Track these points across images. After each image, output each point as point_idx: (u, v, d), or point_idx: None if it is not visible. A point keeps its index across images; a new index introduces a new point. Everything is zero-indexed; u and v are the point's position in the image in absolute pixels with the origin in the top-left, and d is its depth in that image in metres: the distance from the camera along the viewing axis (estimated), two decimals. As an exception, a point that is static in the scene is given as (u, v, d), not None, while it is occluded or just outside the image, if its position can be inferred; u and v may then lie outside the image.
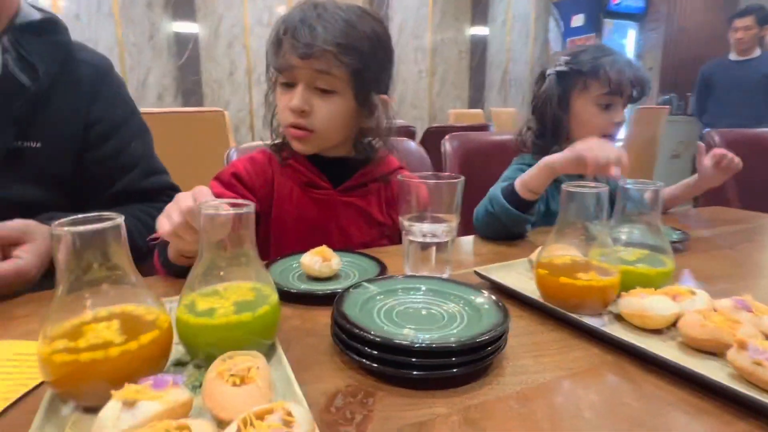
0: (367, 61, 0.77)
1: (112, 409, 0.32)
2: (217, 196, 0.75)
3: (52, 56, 0.74)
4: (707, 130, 1.81)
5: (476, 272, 0.67)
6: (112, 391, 0.34)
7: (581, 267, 0.56)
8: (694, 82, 3.19)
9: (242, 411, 0.32)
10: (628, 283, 0.55)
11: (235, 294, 0.45)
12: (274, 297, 0.45)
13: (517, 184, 0.90)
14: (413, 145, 1.59)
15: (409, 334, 0.45)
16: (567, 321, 0.54)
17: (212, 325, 0.42)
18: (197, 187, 0.57)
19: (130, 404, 0.32)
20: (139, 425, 0.32)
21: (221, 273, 0.45)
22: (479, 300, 0.52)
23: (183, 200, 0.56)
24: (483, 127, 3.31)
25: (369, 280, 0.57)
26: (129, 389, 0.34)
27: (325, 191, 0.87)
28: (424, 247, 0.65)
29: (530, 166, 0.97)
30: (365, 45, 0.77)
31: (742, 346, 0.42)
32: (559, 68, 1.06)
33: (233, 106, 4.07)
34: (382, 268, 0.68)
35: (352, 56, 0.75)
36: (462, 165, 1.64)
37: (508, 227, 0.90)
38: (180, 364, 0.44)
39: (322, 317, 0.56)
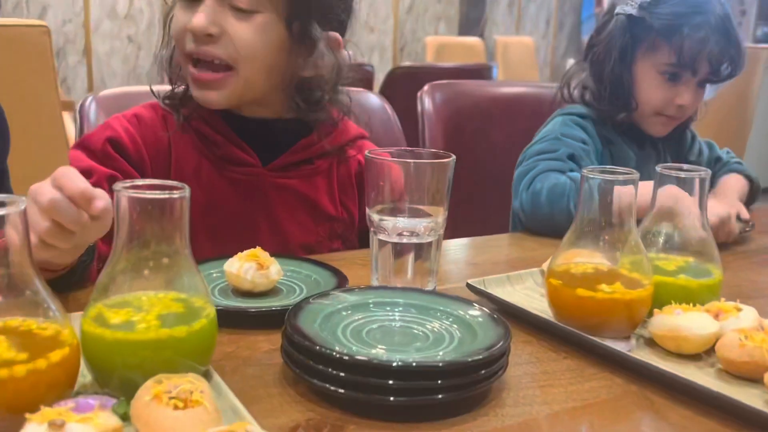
0: None
1: (36, 431, 0.45)
2: (85, 172, 0.86)
3: None
4: None
5: (469, 285, 0.83)
6: (28, 415, 0.46)
7: (605, 277, 0.73)
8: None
9: (193, 437, 0.46)
10: (664, 298, 0.72)
11: (158, 306, 0.58)
12: (211, 311, 0.59)
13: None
14: (372, 97, 1.74)
15: (382, 354, 0.60)
16: (585, 346, 0.71)
17: (135, 341, 0.54)
18: (58, 169, 0.64)
19: (57, 427, 0.45)
20: (69, 452, 0.44)
21: (140, 278, 0.58)
22: (473, 315, 0.67)
23: (41, 194, 0.62)
24: (482, 70, 3.52)
25: (327, 292, 0.71)
26: (48, 412, 0.46)
27: (250, 168, 1.00)
28: (400, 250, 0.80)
29: (583, 119, 1.23)
30: None
31: (783, 367, 0.59)
32: (631, 10, 1.25)
33: (54, 14, 4.01)
34: (341, 280, 0.83)
35: None
36: (449, 132, 1.81)
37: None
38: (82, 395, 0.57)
39: (263, 343, 0.70)
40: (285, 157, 1.01)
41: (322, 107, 1.02)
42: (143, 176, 0.97)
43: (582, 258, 0.76)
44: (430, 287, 0.82)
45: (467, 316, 0.67)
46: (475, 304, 0.69)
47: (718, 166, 1.39)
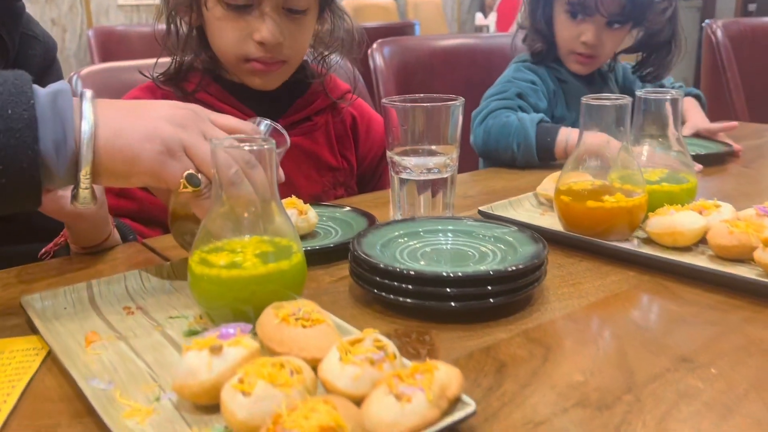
0: None
1: (198, 357, 0.49)
2: None
3: (15, 26, 0.85)
4: (708, 21, 2.22)
5: (480, 212, 0.90)
6: (184, 345, 0.51)
7: (605, 190, 0.81)
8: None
9: (327, 348, 0.51)
10: (652, 204, 0.81)
11: (250, 247, 0.62)
12: (300, 246, 0.63)
13: (561, 139, 1.18)
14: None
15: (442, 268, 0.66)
16: (596, 249, 0.79)
17: (246, 276, 0.59)
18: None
19: (216, 350, 0.50)
20: (231, 369, 0.49)
21: (237, 224, 0.62)
22: (511, 234, 0.74)
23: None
24: (406, 27, 3.55)
25: (379, 225, 0.76)
26: (201, 341, 0.51)
27: None
28: (421, 186, 0.86)
29: (535, 64, 1.34)
30: None
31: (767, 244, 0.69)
32: None
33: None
34: (370, 219, 0.88)
35: None
36: (399, 84, 1.86)
37: (515, 160, 1.21)
38: (193, 333, 0.61)
39: (324, 276, 0.75)
40: (286, 117, 1.05)
41: (312, 70, 1.06)
42: None
43: (577, 179, 0.84)
44: (449, 212, 0.88)
45: (506, 236, 0.74)
46: (511, 225, 0.76)
47: None
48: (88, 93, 0.63)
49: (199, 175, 0.64)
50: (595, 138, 0.86)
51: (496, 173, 1.20)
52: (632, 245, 0.79)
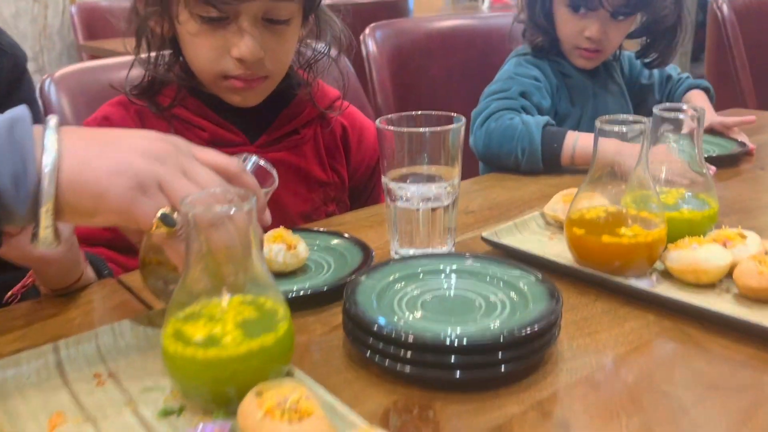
0: None
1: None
2: None
3: None
4: None
5: (484, 238, 0.83)
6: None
7: (620, 219, 0.74)
8: None
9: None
10: (671, 232, 0.74)
11: (232, 312, 0.55)
12: (286, 310, 0.56)
13: (568, 145, 1.10)
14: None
15: (444, 330, 0.59)
16: (612, 287, 0.72)
17: (226, 357, 0.52)
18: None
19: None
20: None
21: (211, 284, 0.55)
22: (521, 279, 0.67)
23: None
24: (399, 2, 3.44)
25: (376, 267, 0.69)
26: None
27: (239, 148, 0.95)
28: (419, 215, 0.79)
29: (537, 58, 1.26)
30: None
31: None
32: None
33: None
34: (364, 249, 0.81)
35: None
36: (394, 71, 1.77)
37: (519, 166, 1.13)
38: (168, 413, 0.55)
39: (315, 324, 0.69)
40: (271, 131, 0.97)
41: (300, 77, 0.98)
42: None
43: (588, 202, 0.76)
44: (449, 244, 0.81)
45: (515, 281, 0.67)
46: (521, 268, 0.69)
47: (670, 84, 1.43)
48: (52, 121, 0.55)
49: (175, 215, 0.56)
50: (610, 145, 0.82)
51: (498, 181, 1.12)
52: (650, 281, 0.72)
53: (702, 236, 0.74)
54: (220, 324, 0.54)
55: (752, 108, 2.12)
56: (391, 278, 0.68)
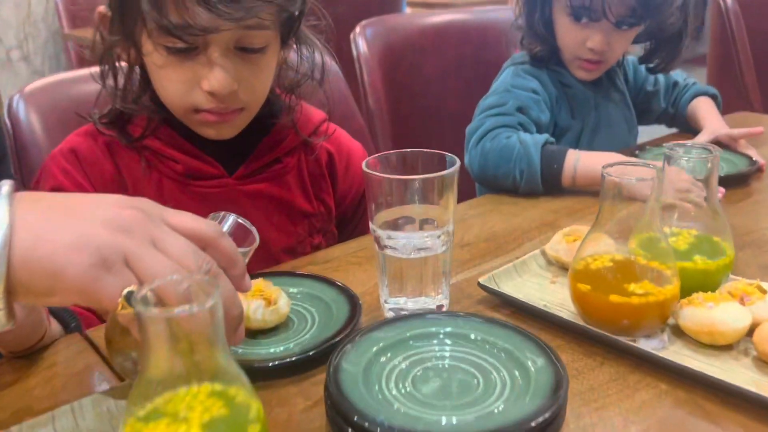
0: None
1: None
2: None
3: None
4: None
5: (480, 285, 0.77)
6: None
7: (628, 271, 0.68)
8: None
9: None
10: (684, 283, 0.68)
11: (198, 408, 0.49)
12: (258, 405, 0.50)
13: (569, 166, 1.04)
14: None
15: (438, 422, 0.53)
16: (621, 348, 0.66)
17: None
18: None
19: None
20: None
21: (173, 379, 0.48)
22: (521, 346, 0.61)
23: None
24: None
25: (360, 333, 0.63)
26: None
27: (217, 180, 0.89)
28: (410, 265, 0.73)
29: (535, 67, 1.20)
30: None
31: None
32: None
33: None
34: (351, 301, 0.75)
35: None
36: (386, 70, 1.70)
37: (517, 189, 1.08)
38: None
39: (297, 397, 0.62)
40: (251, 162, 0.90)
41: (282, 102, 0.91)
42: None
43: (593, 248, 0.70)
44: (444, 291, 0.75)
45: (515, 351, 0.61)
46: (523, 334, 0.63)
47: (677, 91, 1.36)
48: (4, 188, 0.49)
49: None
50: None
51: (495, 205, 1.06)
52: (662, 341, 0.67)
53: (716, 291, 0.68)
54: (184, 426, 0.48)
55: (757, 104, 2.06)
56: (379, 346, 0.62)
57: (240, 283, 0.54)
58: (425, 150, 0.75)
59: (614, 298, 0.65)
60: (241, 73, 0.78)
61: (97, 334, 0.74)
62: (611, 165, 0.67)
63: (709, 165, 0.72)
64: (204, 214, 0.88)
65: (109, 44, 0.82)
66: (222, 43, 0.76)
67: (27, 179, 1.06)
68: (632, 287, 0.66)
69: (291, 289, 0.78)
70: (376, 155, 0.74)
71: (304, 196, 0.94)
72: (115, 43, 0.81)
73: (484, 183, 1.12)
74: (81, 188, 0.85)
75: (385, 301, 0.75)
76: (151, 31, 0.74)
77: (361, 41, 1.70)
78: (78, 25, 3.27)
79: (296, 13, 0.80)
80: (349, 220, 1.01)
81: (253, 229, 0.64)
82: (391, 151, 0.75)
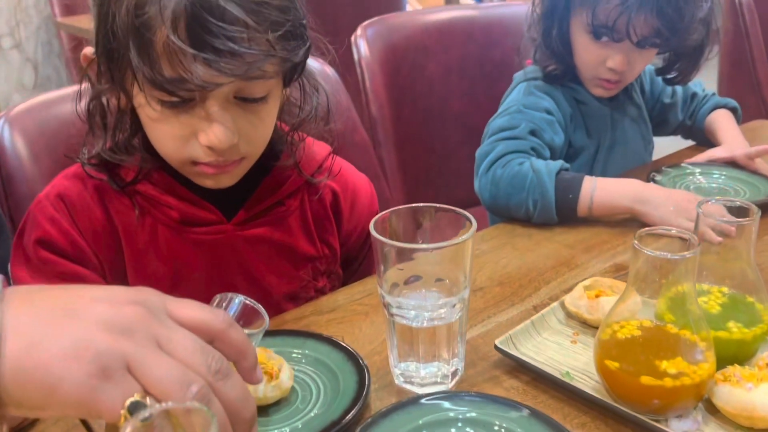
0: (294, 25, 0.71)
1: None
2: None
3: None
4: None
5: (497, 348, 0.71)
6: None
7: (658, 343, 0.62)
8: None
9: None
10: (717, 352, 0.63)
11: None
12: None
13: (585, 196, 1.00)
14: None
15: None
16: (650, 430, 0.61)
17: None
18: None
19: None
20: None
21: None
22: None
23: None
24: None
25: (371, 423, 0.58)
26: None
27: (214, 227, 0.83)
28: (421, 332, 0.67)
29: (548, 84, 1.14)
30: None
31: None
32: None
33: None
34: (358, 370, 0.69)
35: (289, 36, 0.71)
36: (388, 73, 1.63)
37: (530, 218, 1.03)
38: None
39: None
40: (251, 206, 0.84)
41: (284, 139, 0.85)
42: (88, 268, 0.80)
43: (621, 315, 0.65)
44: (460, 352, 0.69)
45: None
46: (540, 416, 0.58)
47: (695, 102, 1.29)
48: None
49: (148, 400, 0.44)
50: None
51: (508, 237, 1.00)
52: (696, 422, 0.62)
53: (753, 361, 0.63)
54: None
55: (770, 100, 1.99)
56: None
57: (251, 375, 0.49)
58: (438, 206, 0.69)
59: (645, 379, 0.60)
60: (241, 124, 0.72)
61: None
62: (642, 233, 0.61)
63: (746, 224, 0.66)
64: (201, 261, 0.84)
65: (97, 91, 0.75)
66: (221, 96, 0.70)
67: (14, 211, 1.01)
68: (664, 365, 0.60)
69: (294, 352, 0.73)
70: (386, 212, 0.69)
71: (308, 239, 0.88)
72: (104, 91, 0.75)
73: (495, 212, 1.07)
74: (69, 237, 0.79)
75: (395, 366, 0.70)
76: (143, 84, 0.68)
77: (362, 44, 1.63)
78: (69, 12, 3.19)
79: (299, 60, 0.74)
80: (354, 258, 0.96)
81: (262, 310, 0.60)
82: (401, 207, 0.70)
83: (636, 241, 0.60)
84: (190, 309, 0.47)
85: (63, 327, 0.43)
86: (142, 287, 0.47)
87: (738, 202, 0.70)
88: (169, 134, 0.72)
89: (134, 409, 0.43)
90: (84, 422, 0.66)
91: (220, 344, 0.47)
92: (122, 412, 0.43)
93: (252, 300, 0.59)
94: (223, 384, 0.44)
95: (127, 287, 0.47)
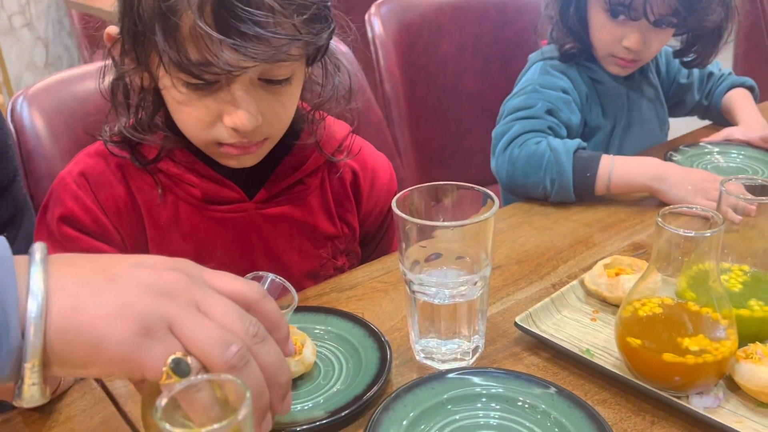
0: (320, 8, 0.71)
1: None
2: None
3: None
4: None
5: (518, 325, 0.72)
6: None
7: (680, 320, 0.62)
8: None
9: None
10: (738, 330, 0.63)
11: None
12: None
13: (603, 174, 0.99)
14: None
15: None
16: (671, 406, 0.61)
17: None
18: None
19: None
20: None
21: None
22: (566, 411, 0.56)
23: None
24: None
25: (394, 397, 0.59)
26: None
27: (236, 205, 0.84)
28: (442, 309, 0.67)
29: (564, 62, 1.13)
30: None
31: None
32: None
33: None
34: (380, 345, 0.70)
35: (314, 19, 0.70)
36: (402, 52, 1.62)
37: (548, 197, 1.03)
38: None
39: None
40: (272, 184, 0.84)
41: (305, 119, 0.85)
42: (111, 245, 0.81)
43: (642, 293, 0.65)
44: (480, 329, 0.70)
45: (561, 417, 0.56)
46: (563, 392, 0.58)
47: (711, 82, 1.28)
48: (38, 253, 0.44)
49: (189, 359, 0.45)
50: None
51: (525, 216, 1.00)
52: (717, 399, 0.62)
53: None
54: None
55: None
56: (415, 413, 0.58)
57: (284, 347, 0.51)
58: (460, 183, 0.69)
59: (667, 356, 0.60)
60: (264, 105, 0.72)
61: (114, 385, 0.70)
62: (665, 212, 0.61)
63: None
64: (222, 238, 0.85)
65: (121, 71, 0.75)
66: (246, 79, 0.70)
67: (34, 188, 1.01)
68: (686, 343, 0.61)
69: (316, 328, 0.74)
70: (407, 190, 0.69)
71: (328, 218, 0.88)
72: (129, 71, 0.75)
73: (512, 191, 1.06)
74: (92, 214, 0.80)
75: (416, 342, 0.71)
76: (169, 67, 0.68)
77: (376, 22, 1.62)
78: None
79: (324, 43, 0.74)
80: (372, 237, 0.96)
81: (292, 289, 0.60)
82: (423, 185, 0.70)
83: (660, 219, 0.60)
84: (226, 279, 0.49)
85: (107, 289, 0.44)
86: (179, 258, 0.48)
87: (759, 181, 0.69)
88: (194, 117, 0.73)
89: (176, 366, 0.44)
90: (108, 393, 0.67)
91: (255, 314, 0.48)
92: (164, 369, 0.44)
93: (282, 278, 0.59)
94: (260, 347, 0.45)
95: (165, 257, 0.48)
